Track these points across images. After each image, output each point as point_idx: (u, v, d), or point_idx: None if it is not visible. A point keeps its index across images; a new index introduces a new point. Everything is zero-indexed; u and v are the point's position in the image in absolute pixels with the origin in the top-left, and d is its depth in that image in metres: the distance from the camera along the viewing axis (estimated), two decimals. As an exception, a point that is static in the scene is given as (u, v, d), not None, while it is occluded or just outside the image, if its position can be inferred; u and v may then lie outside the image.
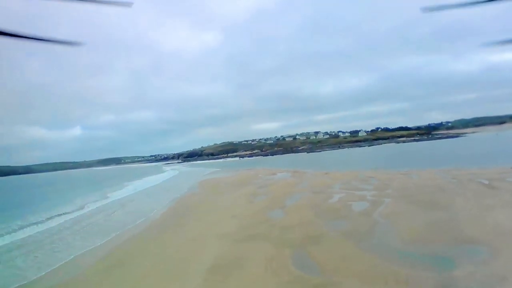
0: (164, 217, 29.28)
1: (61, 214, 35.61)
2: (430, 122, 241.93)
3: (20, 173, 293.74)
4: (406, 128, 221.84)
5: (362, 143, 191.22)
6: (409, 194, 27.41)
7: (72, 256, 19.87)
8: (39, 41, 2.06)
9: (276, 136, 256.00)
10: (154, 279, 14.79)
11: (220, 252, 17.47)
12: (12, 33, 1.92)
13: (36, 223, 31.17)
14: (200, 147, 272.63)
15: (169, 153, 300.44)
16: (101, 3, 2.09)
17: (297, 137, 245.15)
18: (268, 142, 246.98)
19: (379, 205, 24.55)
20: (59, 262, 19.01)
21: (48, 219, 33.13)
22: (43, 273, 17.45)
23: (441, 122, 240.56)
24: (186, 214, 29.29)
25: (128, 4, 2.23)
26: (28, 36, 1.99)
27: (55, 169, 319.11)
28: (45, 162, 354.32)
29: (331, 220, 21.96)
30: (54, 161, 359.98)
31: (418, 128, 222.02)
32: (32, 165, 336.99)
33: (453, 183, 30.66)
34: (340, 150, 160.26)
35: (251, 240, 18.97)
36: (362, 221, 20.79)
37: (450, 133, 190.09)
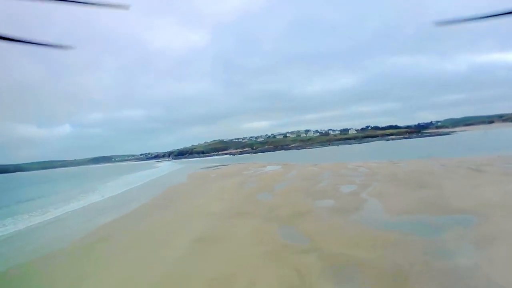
0: (153, 201, 28.98)
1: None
2: (420, 122, 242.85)
3: (10, 171, 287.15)
4: (396, 127, 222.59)
5: (352, 140, 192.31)
6: (398, 178, 27.40)
7: (59, 234, 19.49)
8: (30, 44, 1.96)
9: (266, 134, 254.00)
10: (137, 251, 14.50)
11: (206, 227, 17.20)
12: (3, 36, 1.86)
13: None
14: (190, 145, 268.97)
15: (160, 151, 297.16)
16: (98, 5, 2.03)
17: (288, 135, 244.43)
18: (258, 140, 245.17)
19: (368, 187, 24.50)
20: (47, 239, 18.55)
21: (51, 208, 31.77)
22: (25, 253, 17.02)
23: (431, 122, 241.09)
24: (175, 199, 29.06)
25: (125, 7, 2.15)
26: (19, 39, 1.91)
27: (45, 168, 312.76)
28: (35, 160, 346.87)
29: (319, 199, 21.87)
30: (44, 160, 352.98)
31: (408, 127, 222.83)
32: (22, 163, 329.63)
33: (442, 168, 30.81)
34: (330, 147, 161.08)
35: (239, 217, 18.73)
36: (350, 199, 20.70)
37: (439, 131, 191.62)
